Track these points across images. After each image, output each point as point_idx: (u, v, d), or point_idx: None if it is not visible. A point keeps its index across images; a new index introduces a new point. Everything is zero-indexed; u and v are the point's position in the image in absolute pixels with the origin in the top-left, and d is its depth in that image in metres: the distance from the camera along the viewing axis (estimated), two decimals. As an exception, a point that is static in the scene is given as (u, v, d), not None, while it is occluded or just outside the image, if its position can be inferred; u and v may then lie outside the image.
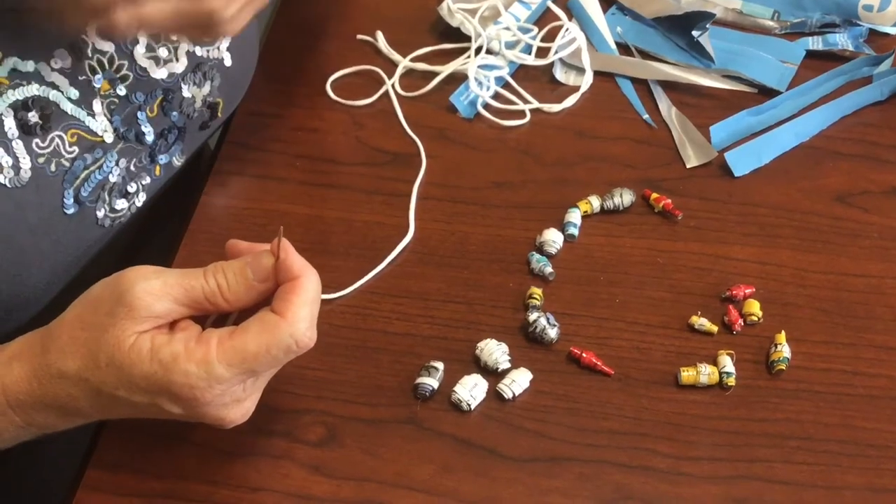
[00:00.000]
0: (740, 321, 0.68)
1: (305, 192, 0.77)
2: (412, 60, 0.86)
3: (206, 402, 0.54)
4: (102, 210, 0.66)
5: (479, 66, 0.84)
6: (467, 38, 0.86)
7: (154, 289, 0.53)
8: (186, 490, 0.60)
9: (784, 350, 0.66)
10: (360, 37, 0.88)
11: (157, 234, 0.79)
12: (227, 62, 0.73)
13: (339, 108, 0.83)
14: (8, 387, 0.55)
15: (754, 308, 0.68)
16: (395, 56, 0.86)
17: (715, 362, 0.66)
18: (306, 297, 0.54)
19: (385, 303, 0.69)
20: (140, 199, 0.69)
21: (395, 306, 0.69)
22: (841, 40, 0.88)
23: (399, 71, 0.85)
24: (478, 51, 0.85)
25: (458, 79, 0.85)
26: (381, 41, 0.87)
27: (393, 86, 0.84)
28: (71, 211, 0.63)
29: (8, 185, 0.59)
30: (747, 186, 0.77)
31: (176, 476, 0.61)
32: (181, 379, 0.53)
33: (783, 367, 0.65)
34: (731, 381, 0.65)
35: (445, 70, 0.85)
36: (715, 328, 0.68)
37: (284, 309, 0.54)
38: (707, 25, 0.86)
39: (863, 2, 0.89)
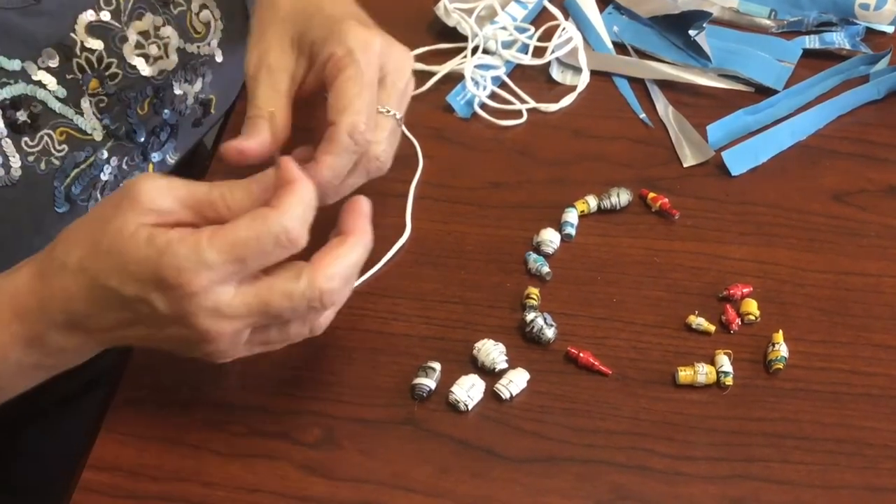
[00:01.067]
0: (738, 320, 0.68)
1: (302, 193, 0.77)
2: (409, 60, 0.86)
3: (192, 292, 0.51)
4: None
5: (476, 66, 0.84)
6: (464, 38, 0.86)
7: (160, 185, 0.52)
8: (182, 492, 0.60)
9: (782, 349, 0.66)
10: (356, 37, 0.88)
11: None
12: (219, 58, 0.72)
13: (335, 109, 0.83)
14: (18, 289, 0.54)
15: (752, 307, 0.68)
16: (392, 56, 0.86)
17: (712, 362, 0.65)
18: (300, 196, 0.52)
19: (382, 303, 0.69)
20: None
21: (392, 307, 0.69)
22: (838, 39, 0.88)
23: (395, 71, 0.85)
24: (474, 50, 0.85)
25: (454, 79, 0.85)
26: (378, 41, 0.87)
27: (389, 86, 0.84)
28: (62, 210, 0.63)
29: None
30: (744, 185, 0.77)
31: (172, 478, 0.61)
32: (170, 260, 0.51)
33: (781, 366, 0.65)
34: (729, 381, 0.65)
35: (442, 70, 0.85)
36: (712, 328, 0.67)
37: (276, 202, 0.52)
38: (704, 24, 0.86)
39: (859, 0, 0.88)
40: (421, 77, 0.85)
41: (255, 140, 0.60)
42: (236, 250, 0.51)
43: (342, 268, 0.53)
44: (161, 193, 0.52)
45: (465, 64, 0.84)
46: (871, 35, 0.89)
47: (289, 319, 0.55)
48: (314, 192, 0.54)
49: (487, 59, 0.85)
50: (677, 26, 0.87)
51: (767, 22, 0.91)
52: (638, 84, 0.85)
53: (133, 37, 0.66)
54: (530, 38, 0.87)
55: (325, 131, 0.59)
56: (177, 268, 0.51)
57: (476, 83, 0.83)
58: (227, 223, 0.52)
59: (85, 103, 0.64)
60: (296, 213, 0.52)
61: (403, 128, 0.80)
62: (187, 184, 0.53)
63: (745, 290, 0.69)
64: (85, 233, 0.53)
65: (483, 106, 0.83)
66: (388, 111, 0.61)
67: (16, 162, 0.60)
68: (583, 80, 0.85)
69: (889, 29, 0.89)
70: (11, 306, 0.54)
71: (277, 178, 0.53)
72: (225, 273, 0.51)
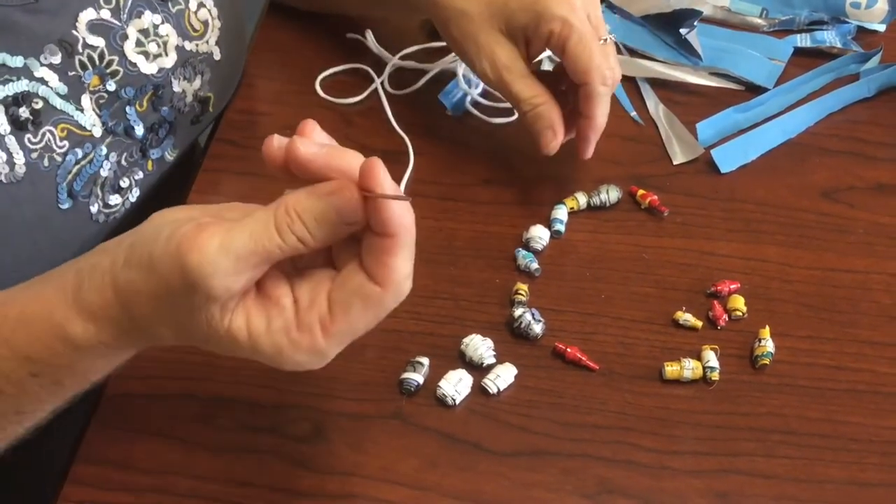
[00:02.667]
0: (725, 316, 0.68)
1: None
2: (401, 58, 0.86)
3: (307, 369, 0.50)
4: (96, 205, 0.67)
5: (468, 64, 0.84)
6: (456, 37, 0.87)
7: (226, 269, 0.46)
8: (172, 485, 0.61)
9: (768, 345, 0.66)
10: (349, 35, 0.88)
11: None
12: (217, 56, 0.73)
13: (328, 107, 0.83)
14: (108, 343, 0.51)
15: (739, 303, 0.68)
16: (385, 54, 0.87)
17: (699, 357, 0.66)
18: (404, 255, 0.48)
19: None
20: (133, 195, 0.70)
21: (382, 302, 0.69)
22: (829, 37, 0.88)
23: (388, 69, 0.85)
24: (466, 49, 0.85)
25: (446, 77, 0.85)
26: (371, 39, 0.88)
27: (382, 84, 0.85)
28: (65, 206, 0.64)
29: (3, 181, 0.60)
30: (733, 183, 0.77)
31: (162, 471, 0.61)
32: (292, 366, 0.49)
33: (767, 361, 0.66)
34: (715, 376, 0.65)
35: (434, 68, 0.85)
36: (699, 323, 0.68)
37: (383, 276, 0.48)
38: (695, 23, 0.87)
39: (850, -1, 0.89)
40: (413, 75, 0.85)
41: (553, 133, 0.72)
42: (355, 337, 0.50)
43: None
44: (234, 279, 0.46)
45: (458, 62, 0.84)
46: (862, 34, 0.90)
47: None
48: (413, 230, 0.49)
49: (480, 58, 0.85)
50: (669, 25, 0.88)
51: (759, 20, 0.91)
52: (629, 82, 0.85)
53: (133, 34, 0.67)
54: (522, 36, 0.87)
55: (574, 92, 0.71)
56: (300, 366, 0.49)
57: (468, 81, 0.83)
58: (335, 313, 0.48)
59: (85, 100, 0.65)
60: (405, 277, 0.48)
61: (396, 126, 0.82)
62: (254, 245, 0.46)
63: (733, 287, 0.70)
64: (163, 315, 0.49)
65: (474, 104, 0.83)
66: (604, 39, 0.70)
67: (19, 159, 0.61)
68: (574, 79, 0.85)
69: (880, 27, 0.90)
70: (109, 350, 0.52)
71: (373, 212, 0.47)
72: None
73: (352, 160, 0.47)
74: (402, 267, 0.48)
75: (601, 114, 0.71)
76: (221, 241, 0.46)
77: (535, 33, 0.70)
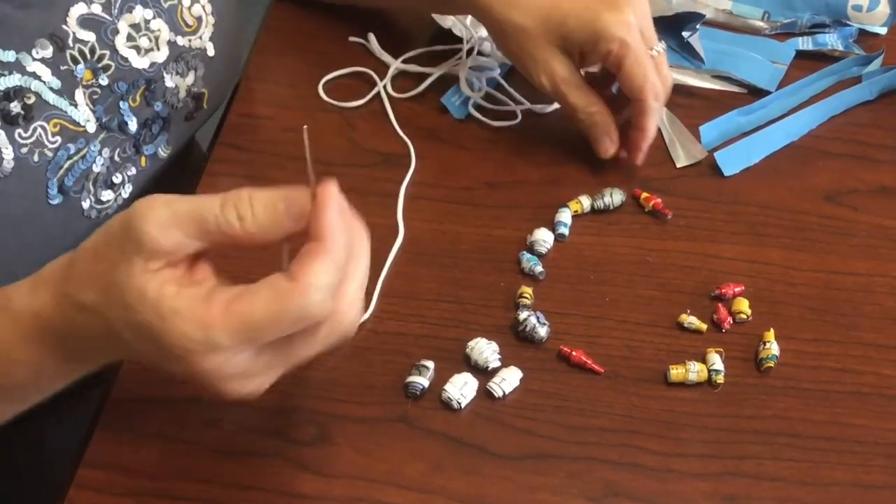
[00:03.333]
0: (729, 319, 0.68)
1: (297, 193, 0.77)
2: (404, 62, 0.86)
3: (203, 370, 0.48)
4: (88, 201, 0.66)
5: (471, 68, 0.84)
6: (459, 40, 0.87)
7: (161, 220, 0.47)
8: (178, 489, 0.61)
9: (773, 348, 0.66)
10: (352, 39, 0.88)
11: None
12: (210, 52, 0.73)
13: (331, 110, 0.83)
14: (41, 314, 0.52)
15: (743, 306, 0.69)
16: (387, 58, 0.87)
17: (704, 360, 0.66)
18: (328, 264, 0.47)
19: (376, 302, 0.70)
20: (126, 191, 0.69)
21: (387, 306, 0.69)
22: (831, 40, 0.88)
23: (391, 72, 0.85)
24: (469, 52, 0.86)
25: (449, 80, 0.85)
26: (374, 43, 0.88)
27: (385, 87, 0.85)
28: (56, 202, 0.64)
29: None
30: (737, 186, 0.78)
31: (167, 475, 0.61)
32: (175, 339, 0.47)
33: (772, 364, 0.66)
34: (720, 379, 0.65)
35: (437, 72, 0.85)
36: (704, 326, 0.68)
37: (298, 273, 0.47)
38: (697, 26, 0.87)
39: (852, 2, 0.89)
40: (416, 78, 0.85)
41: (610, 140, 0.77)
42: (251, 334, 0.48)
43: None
44: (165, 232, 0.47)
45: (460, 65, 0.84)
46: (864, 36, 0.90)
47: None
48: (348, 248, 0.49)
49: (482, 61, 0.86)
50: (671, 28, 0.88)
51: (761, 23, 0.91)
52: (632, 85, 0.85)
53: (124, 29, 0.67)
54: (525, 39, 0.87)
55: (625, 106, 0.76)
56: (182, 347, 0.48)
57: (471, 85, 0.83)
58: (241, 294, 0.48)
59: (79, 95, 0.65)
60: (320, 287, 0.47)
61: (398, 129, 0.82)
62: (195, 208, 0.48)
63: (737, 290, 0.70)
64: (95, 275, 0.50)
65: (477, 107, 0.83)
66: (655, 51, 0.74)
67: (8, 154, 0.61)
68: (577, 82, 0.85)
69: (882, 30, 0.90)
70: (38, 327, 0.52)
71: (312, 222, 0.48)
72: (235, 351, 0.48)
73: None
74: (319, 272, 0.47)
75: (653, 126, 0.76)
76: (170, 198, 0.48)
77: (593, 50, 0.74)
